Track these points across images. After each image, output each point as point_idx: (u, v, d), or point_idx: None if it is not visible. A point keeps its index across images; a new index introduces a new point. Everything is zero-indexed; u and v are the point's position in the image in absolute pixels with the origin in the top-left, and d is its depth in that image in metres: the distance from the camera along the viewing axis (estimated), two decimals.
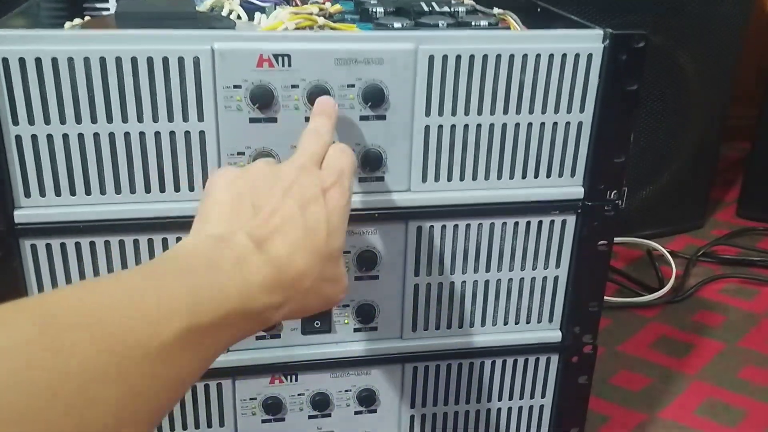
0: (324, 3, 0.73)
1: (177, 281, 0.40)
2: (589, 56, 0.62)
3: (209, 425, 0.70)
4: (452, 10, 0.71)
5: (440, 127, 0.63)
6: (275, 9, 0.72)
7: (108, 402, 0.34)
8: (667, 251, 1.40)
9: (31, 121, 0.57)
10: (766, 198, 1.58)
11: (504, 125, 0.64)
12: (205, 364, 0.41)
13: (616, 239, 1.42)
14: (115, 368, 0.35)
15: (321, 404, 0.71)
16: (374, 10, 0.70)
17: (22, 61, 0.55)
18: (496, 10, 0.73)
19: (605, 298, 1.25)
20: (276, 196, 0.48)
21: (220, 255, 0.43)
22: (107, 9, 0.78)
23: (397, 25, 0.67)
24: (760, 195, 1.59)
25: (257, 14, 0.71)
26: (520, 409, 0.76)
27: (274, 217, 0.47)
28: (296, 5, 0.75)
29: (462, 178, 0.65)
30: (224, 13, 0.71)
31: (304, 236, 0.47)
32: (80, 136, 0.58)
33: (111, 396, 0.34)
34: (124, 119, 0.58)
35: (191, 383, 0.40)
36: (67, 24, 0.69)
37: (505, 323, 0.71)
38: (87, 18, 0.72)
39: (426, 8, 0.70)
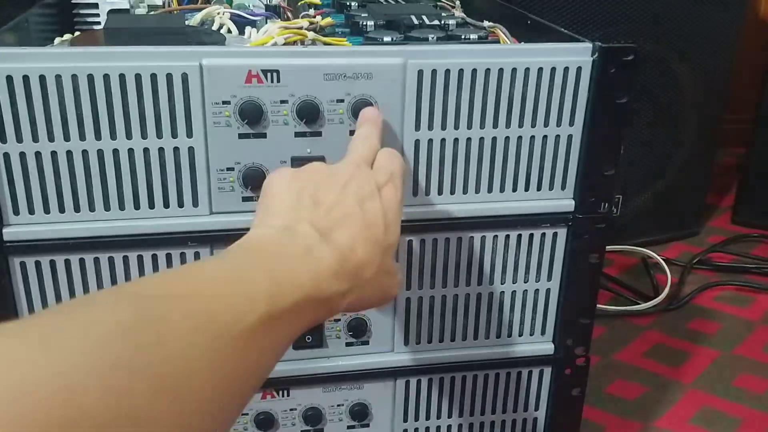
0: (315, 17, 0.73)
1: (254, 269, 0.41)
2: (579, 69, 0.62)
3: None
4: (442, 23, 0.71)
5: (430, 141, 0.63)
6: (266, 23, 0.72)
7: (204, 388, 0.35)
8: (662, 259, 1.40)
9: (19, 138, 0.57)
10: (761, 204, 1.58)
11: (494, 139, 0.64)
12: (281, 350, 0.42)
13: (611, 247, 1.43)
14: (209, 352, 0.36)
15: (313, 419, 0.71)
16: (364, 23, 0.70)
17: (9, 79, 0.55)
18: (486, 23, 0.73)
19: (600, 306, 1.27)
20: (334, 191, 0.49)
21: (289, 243, 0.45)
22: (98, 23, 0.78)
23: (386, 38, 0.67)
24: (755, 201, 1.59)
25: (248, 28, 0.71)
26: (514, 421, 0.76)
27: (334, 211, 0.48)
28: (287, 19, 0.75)
29: (453, 192, 0.65)
30: (215, 27, 0.71)
31: (363, 228, 0.48)
32: (69, 153, 0.58)
33: (207, 381, 0.35)
34: (113, 136, 0.58)
35: (270, 370, 0.41)
36: (57, 39, 0.69)
37: (498, 336, 0.71)
38: (77, 33, 0.72)
39: (416, 21, 0.70)
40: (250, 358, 0.38)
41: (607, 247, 1.46)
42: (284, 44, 0.65)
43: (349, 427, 0.72)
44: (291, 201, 0.48)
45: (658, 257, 1.41)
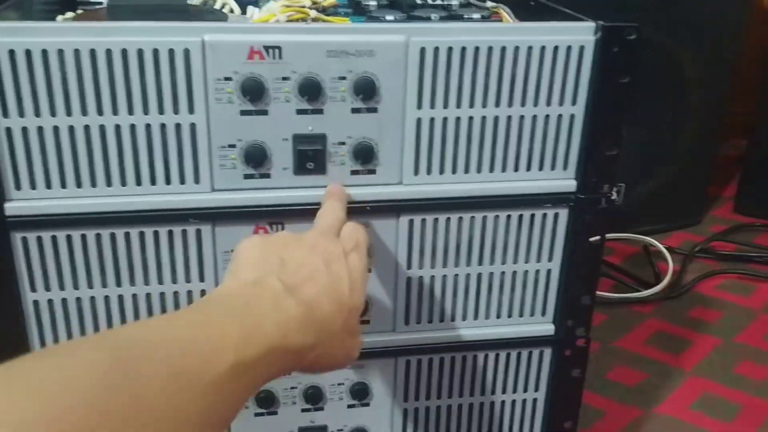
0: None
1: (223, 320, 0.43)
2: (581, 48, 0.62)
3: None
4: (445, 2, 0.71)
5: (432, 119, 0.63)
6: (268, 2, 0.72)
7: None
8: (664, 247, 1.40)
9: (21, 113, 0.57)
10: (763, 194, 1.58)
11: (496, 118, 0.63)
12: (246, 398, 0.43)
13: (614, 235, 1.43)
14: (178, 400, 0.37)
15: (314, 397, 0.71)
16: (367, 3, 0.70)
17: (12, 53, 0.55)
18: (489, 3, 0.73)
19: (602, 293, 1.27)
20: (302, 253, 0.51)
21: (258, 296, 0.46)
22: (100, 3, 0.78)
23: (389, 17, 0.67)
24: (757, 191, 1.59)
25: (250, 7, 0.71)
26: (514, 402, 0.76)
27: (301, 269, 0.50)
28: None
29: (454, 171, 0.65)
30: (217, 6, 0.71)
31: (329, 285, 0.50)
32: (71, 128, 0.58)
33: (173, 426, 0.37)
34: (115, 111, 0.58)
35: (233, 418, 0.42)
36: (59, 17, 0.69)
37: (498, 316, 0.71)
38: (80, 11, 0.72)
39: (419, 1, 0.70)
40: (216, 406, 0.40)
41: (610, 235, 1.47)
42: (286, 22, 0.65)
43: (349, 406, 0.72)
44: (260, 260, 0.50)
45: (660, 245, 1.41)
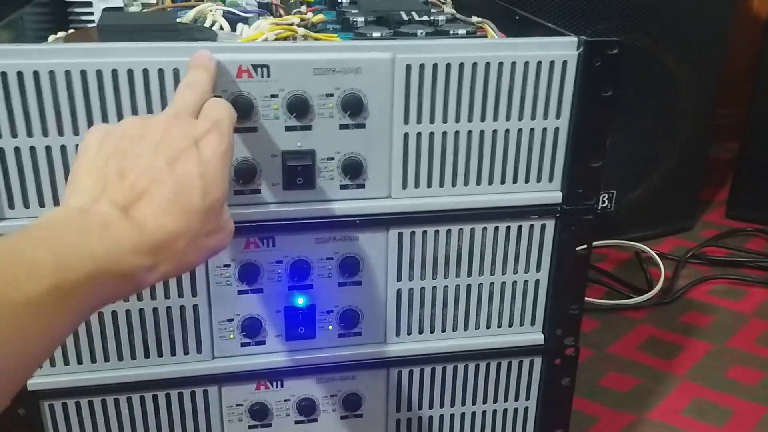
0: (306, 13, 0.74)
1: (38, 244, 0.41)
2: (564, 63, 0.63)
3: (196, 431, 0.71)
4: (431, 18, 0.72)
5: (419, 134, 0.64)
6: (257, 19, 0.73)
7: None
8: (656, 253, 1.41)
9: (13, 133, 0.58)
10: (755, 198, 1.59)
11: (482, 132, 0.65)
12: (77, 320, 0.42)
13: (605, 242, 1.44)
14: None
15: (307, 409, 0.72)
16: (355, 19, 0.71)
17: (3, 75, 0.56)
18: (474, 19, 0.74)
19: (594, 300, 1.28)
20: (144, 155, 0.47)
21: (86, 223, 0.44)
22: (92, 21, 0.79)
23: (376, 34, 0.68)
24: (748, 195, 1.60)
25: (239, 25, 0.72)
26: (505, 411, 0.76)
27: (141, 179, 0.46)
28: (279, 15, 0.76)
29: (441, 185, 0.66)
30: (207, 24, 0.72)
31: (174, 196, 0.46)
32: (63, 147, 0.59)
33: None
34: None
35: (63, 338, 0.41)
36: (51, 37, 0.70)
37: (488, 327, 0.72)
38: (71, 30, 0.73)
39: (405, 17, 0.71)
40: (34, 328, 0.39)
41: (601, 241, 1.48)
42: (275, 40, 0.66)
43: (342, 417, 0.73)
44: (96, 175, 0.46)
45: (652, 251, 1.42)
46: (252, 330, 0.67)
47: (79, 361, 0.65)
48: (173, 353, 0.67)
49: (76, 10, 0.80)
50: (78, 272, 0.40)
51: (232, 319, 0.67)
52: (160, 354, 0.67)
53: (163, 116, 0.49)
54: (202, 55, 0.56)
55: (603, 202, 1.44)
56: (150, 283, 0.46)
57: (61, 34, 0.71)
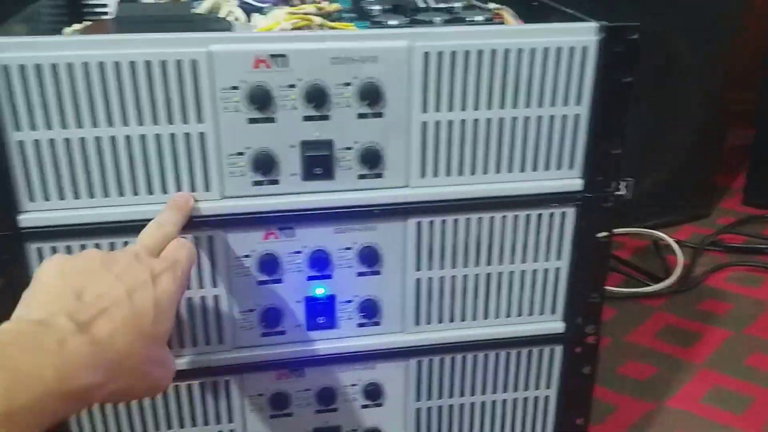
0: (322, 2, 0.74)
1: None
2: (584, 49, 0.63)
3: (218, 421, 0.71)
4: (448, 5, 0.71)
5: (437, 122, 0.63)
6: (273, 9, 0.73)
7: None
8: (674, 241, 1.40)
9: (33, 126, 0.58)
10: None
11: (501, 119, 0.64)
12: None
13: (623, 230, 1.43)
14: None
15: (327, 399, 0.72)
16: (371, 8, 0.71)
17: (22, 68, 0.56)
18: (491, 5, 0.73)
19: (612, 288, 1.27)
20: (104, 283, 0.49)
21: (40, 338, 0.44)
22: (106, 13, 0.79)
23: (392, 22, 0.67)
24: (765, 182, 1.59)
25: (255, 15, 0.72)
26: (526, 400, 0.76)
27: (100, 301, 0.48)
28: (295, 5, 0.76)
29: (460, 173, 0.65)
30: (222, 14, 0.72)
31: (129, 318, 0.48)
32: (82, 140, 0.59)
33: None
34: (125, 122, 0.59)
35: None
36: (67, 29, 0.70)
37: (508, 315, 0.72)
38: (86, 23, 0.73)
39: (422, 4, 0.71)
40: None
41: (618, 229, 1.47)
42: (291, 30, 0.66)
43: (363, 407, 0.73)
44: (56, 291, 0.48)
45: (669, 239, 1.41)
46: (272, 320, 0.67)
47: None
48: (195, 344, 0.67)
49: (91, 2, 0.80)
50: (27, 395, 0.41)
51: (253, 310, 0.67)
52: (181, 344, 0.67)
53: (126, 254, 0.52)
54: (180, 197, 0.61)
55: (620, 189, 1.43)
56: (96, 402, 0.46)
57: (76, 26, 0.71)
